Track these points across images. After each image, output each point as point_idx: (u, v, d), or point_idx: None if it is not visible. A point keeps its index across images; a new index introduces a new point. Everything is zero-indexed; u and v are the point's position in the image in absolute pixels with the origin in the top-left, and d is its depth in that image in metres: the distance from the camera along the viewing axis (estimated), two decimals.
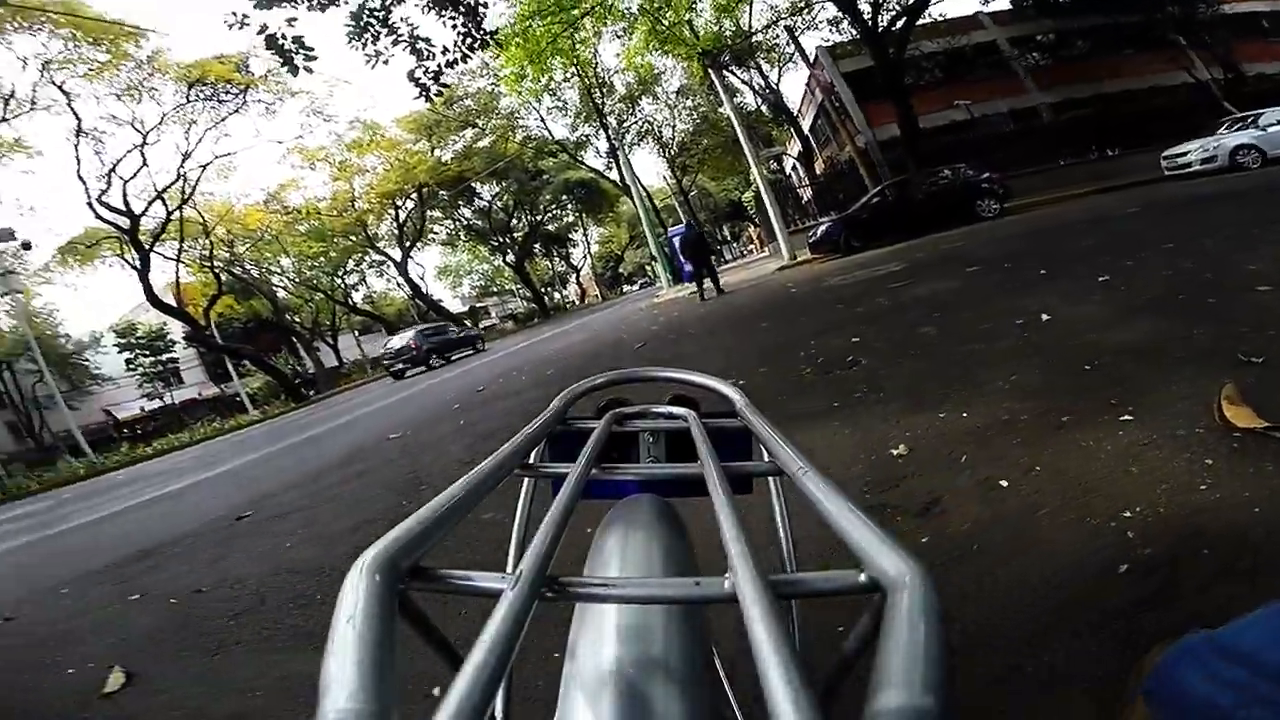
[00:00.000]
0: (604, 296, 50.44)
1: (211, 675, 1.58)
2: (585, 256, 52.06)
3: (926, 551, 1.28)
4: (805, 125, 25.26)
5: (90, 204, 18.42)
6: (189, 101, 19.56)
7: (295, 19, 6.68)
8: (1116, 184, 11.98)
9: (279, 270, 29.59)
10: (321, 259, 29.07)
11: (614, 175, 29.08)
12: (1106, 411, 1.68)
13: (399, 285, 37.35)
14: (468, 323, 31.18)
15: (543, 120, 27.85)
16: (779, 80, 27.74)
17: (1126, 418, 1.62)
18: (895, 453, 1.81)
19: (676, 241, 19.59)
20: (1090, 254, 4.34)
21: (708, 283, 11.48)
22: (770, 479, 0.46)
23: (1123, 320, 2.52)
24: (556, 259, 49.18)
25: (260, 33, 6.48)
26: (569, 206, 39.44)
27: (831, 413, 2.35)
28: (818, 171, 23.37)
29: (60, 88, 17.63)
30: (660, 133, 31.26)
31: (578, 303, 53.66)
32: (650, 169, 77.35)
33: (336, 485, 3.58)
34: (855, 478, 1.72)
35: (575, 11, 15.03)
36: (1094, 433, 1.58)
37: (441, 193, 28.50)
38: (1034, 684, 0.89)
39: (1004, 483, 1.47)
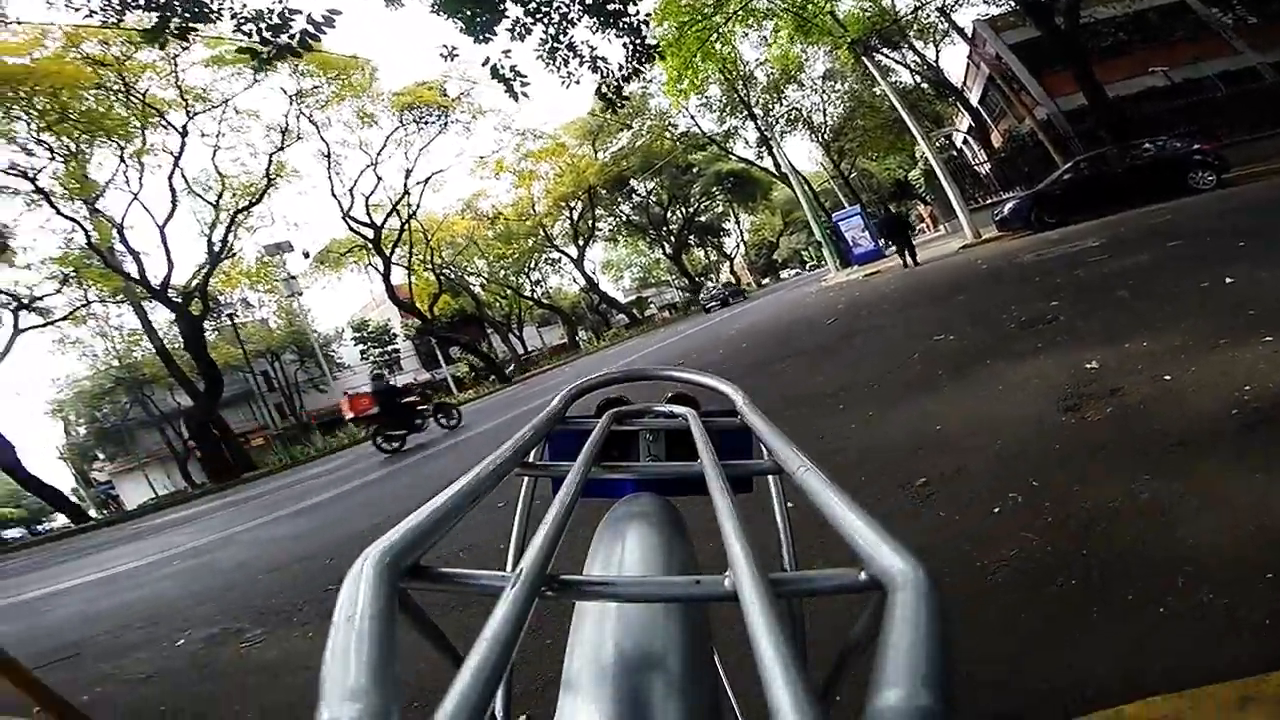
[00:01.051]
0: (757, 283, 50.74)
1: None
2: (738, 245, 52.71)
3: (1114, 408, 2.22)
4: (973, 99, 23.97)
5: (345, 218, 22.95)
6: (402, 125, 23.28)
7: (510, 50, 7.31)
8: None
9: (475, 271, 34.03)
10: (509, 259, 32.94)
11: (766, 164, 29.65)
12: (1253, 337, 2.45)
13: (573, 280, 41.22)
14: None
15: (692, 118, 29.12)
16: (937, 57, 26.46)
17: (1267, 339, 2.39)
18: (1089, 366, 2.69)
19: (851, 223, 19.92)
20: None
21: (907, 255, 13.31)
22: (770, 478, 0.47)
23: None
24: (709, 248, 50.47)
25: (484, 64, 7.13)
26: (720, 197, 40.59)
27: (1036, 352, 3.21)
28: (995, 146, 22.16)
29: (310, 119, 21.69)
30: (810, 118, 31.19)
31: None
32: (803, 155, 75.36)
33: None
34: (1058, 385, 2.59)
35: (718, 19, 16.15)
36: (1239, 349, 2.38)
37: (604, 192, 31.00)
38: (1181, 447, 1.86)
39: (1167, 377, 2.34)
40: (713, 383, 0.61)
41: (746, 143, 31.49)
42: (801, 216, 28.87)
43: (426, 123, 23.44)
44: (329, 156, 22.52)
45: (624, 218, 38.55)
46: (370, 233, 23.14)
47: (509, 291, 35.43)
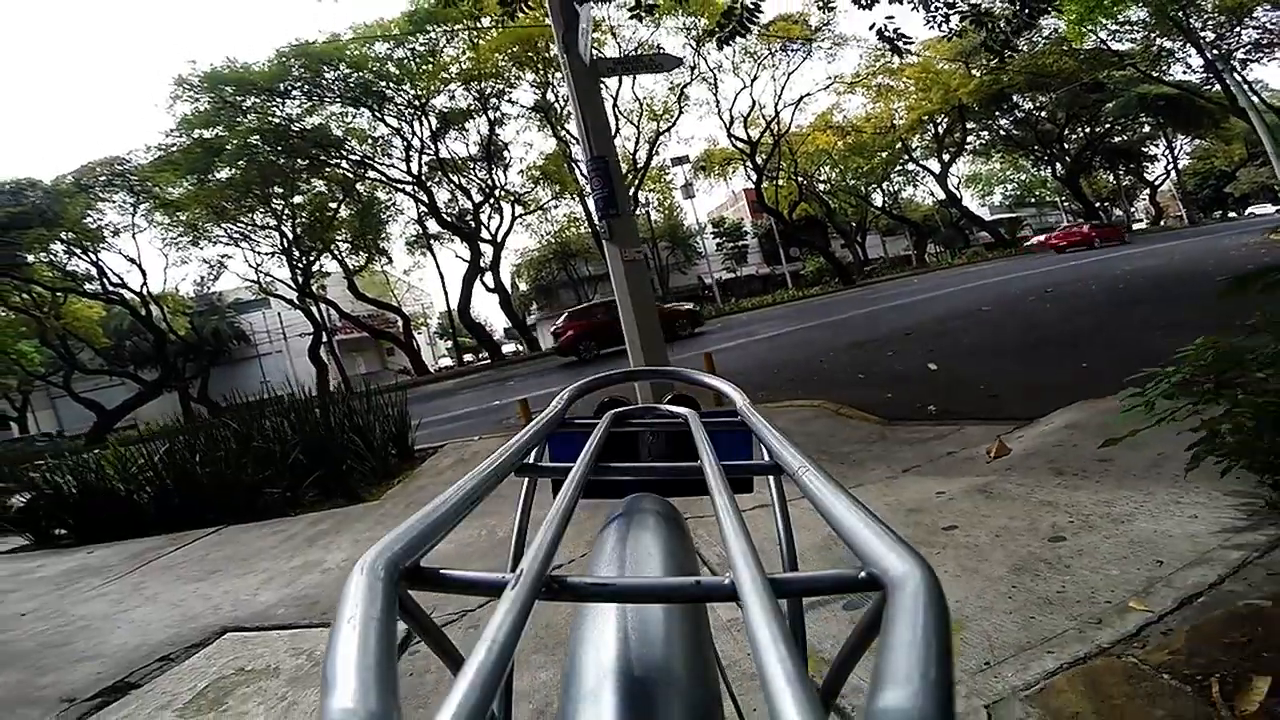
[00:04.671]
0: (1191, 219, 41.36)
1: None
2: (1169, 172, 43.05)
3: None
4: None
5: (728, 136, 28.84)
6: (771, 53, 26.76)
7: (892, 16, 7.87)
8: None
9: (825, 179, 36.83)
10: (862, 170, 34.81)
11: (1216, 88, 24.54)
12: None
13: (929, 193, 40.70)
14: None
15: (1102, 42, 25.47)
16: None
17: None
18: None
19: None
20: None
21: None
22: (770, 478, 0.48)
23: None
24: (1122, 172, 42.59)
25: (870, 28, 8.29)
26: (1144, 119, 34.14)
27: None
28: None
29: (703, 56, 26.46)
30: None
31: (1147, 224, 45.39)
32: None
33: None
34: None
35: None
36: None
37: (976, 107, 29.94)
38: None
39: None
40: (713, 383, 0.64)
41: (1188, 67, 26.28)
42: None
43: (792, 50, 26.50)
44: (715, 86, 27.64)
45: (1001, 132, 35.86)
46: (746, 147, 28.17)
47: (856, 199, 37.44)
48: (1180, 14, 21.96)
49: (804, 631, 0.45)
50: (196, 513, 4.19)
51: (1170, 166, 42.49)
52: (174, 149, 20.71)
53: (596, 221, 5.43)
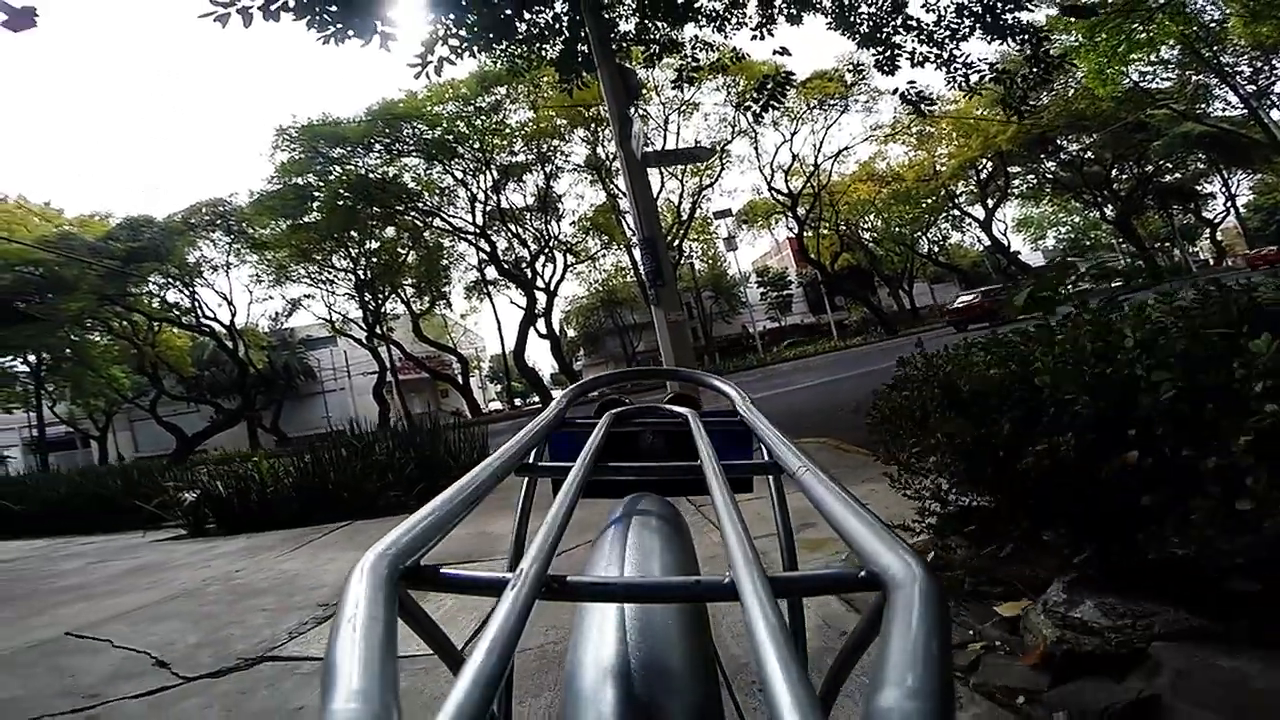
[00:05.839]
0: (1250, 262, 40.46)
1: None
2: (1228, 209, 42.45)
3: None
4: None
5: (769, 189, 30.59)
6: (809, 109, 28.40)
7: (914, 81, 9.65)
8: None
9: (869, 227, 37.78)
10: (906, 218, 35.67)
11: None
12: None
13: (976, 239, 41.03)
14: None
15: (1134, 83, 26.17)
16: None
17: None
18: None
19: None
20: None
21: None
22: (770, 477, 0.48)
23: None
24: (1177, 212, 42.18)
25: (893, 92, 9.25)
26: (1194, 157, 34.22)
27: None
28: None
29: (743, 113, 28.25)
30: None
31: (1211, 263, 44.40)
32: None
33: None
34: None
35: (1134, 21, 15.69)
36: None
37: (1017, 150, 30.72)
38: None
39: None
40: (713, 382, 0.65)
41: (1227, 104, 26.71)
42: None
43: (829, 105, 28.20)
44: (756, 140, 29.45)
45: (1048, 175, 36.33)
46: (787, 200, 29.62)
47: (902, 248, 38.12)
48: (1210, 52, 22.49)
49: (804, 631, 0.47)
50: (327, 511, 5.07)
51: (1228, 204, 41.86)
52: (273, 194, 23.33)
53: (646, 290, 6.57)
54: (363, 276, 27.25)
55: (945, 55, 8.51)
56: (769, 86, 8.63)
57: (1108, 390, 1.31)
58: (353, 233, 25.29)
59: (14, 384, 24.50)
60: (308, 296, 29.41)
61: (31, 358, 23.07)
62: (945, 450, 1.76)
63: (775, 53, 8.48)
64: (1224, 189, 40.20)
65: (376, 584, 0.23)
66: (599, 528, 0.50)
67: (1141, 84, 25.82)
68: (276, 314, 31.29)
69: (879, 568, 0.23)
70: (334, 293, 28.67)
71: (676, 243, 28.79)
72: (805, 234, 31.72)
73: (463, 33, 6.88)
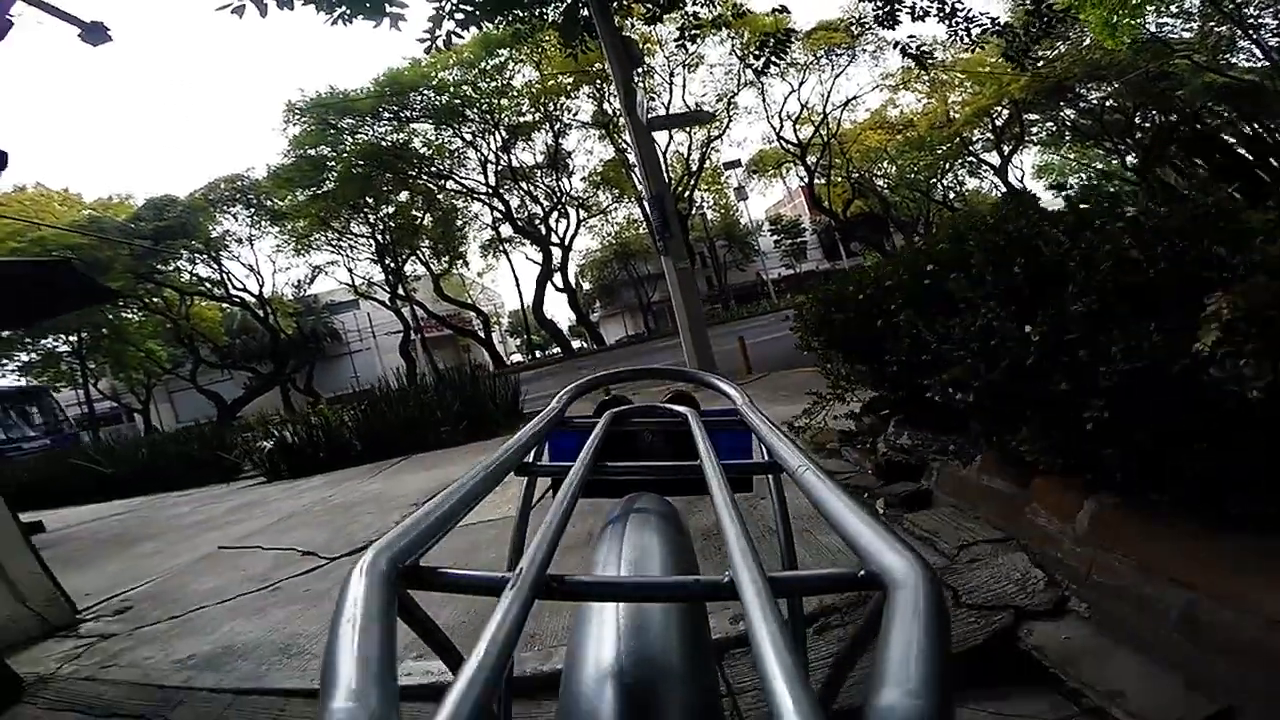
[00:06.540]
0: None
1: None
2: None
3: None
4: None
5: (778, 139, 30.37)
6: (816, 59, 28.24)
7: (914, 36, 9.00)
8: None
9: (882, 173, 37.59)
10: (919, 165, 35.44)
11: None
12: None
13: (993, 185, 40.60)
14: None
15: (1152, 34, 25.45)
16: None
17: None
18: None
19: None
20: None
21: None
22: (769, 477, 0.48)
23: None
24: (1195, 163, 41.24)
25: (894, 46, 9.21)
26: (1219, 108, 33.39)
27: None
28: None
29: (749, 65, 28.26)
30: None
31: None
32: None
33: None
34: None
35: None
36: None
37: (1032, 98, 30.26)
38: None
39: None
40: (713, 382, 0.65)
41: (1253, 55, 25.97)
42: None
43: (837, 55, 28.11)
44: (763, 90, 29.35)
45: (1067, 122, 35.65)
46: (796, 149, 29.81)
47: (917, 194, 37.96)
48: (1231, 3, 21.94)
49: (804, 630, 0.49)
50: (387, 449, 5.85)
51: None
52: (289, 167, 24.17)
53: (655, 241, 7.20)
54: (382, 241, 28.22)
55: (946, 8, 8.51)
56: (770, 45, 8.96)
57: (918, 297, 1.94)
58: (369, 199, 26.12)
59: (59, 363, 26.12)
60: (330, 263, 30.65)
61: (73, 338, 24.52)
62: (829, 340, 2.55)
63: (774, 11, 8.71)
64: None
65: (375, 584, 0.23)
66: (599, 529, 0.52)
67: (1159, 35, 25.16)
68: (299, 282, 32.51)
69: (879, 567, 0.23)
70: (355, 258, 29.83)
71: (687, 194, 29.12)
72: (816, 182, 31.73)
73: (468, 7, 7.11)
